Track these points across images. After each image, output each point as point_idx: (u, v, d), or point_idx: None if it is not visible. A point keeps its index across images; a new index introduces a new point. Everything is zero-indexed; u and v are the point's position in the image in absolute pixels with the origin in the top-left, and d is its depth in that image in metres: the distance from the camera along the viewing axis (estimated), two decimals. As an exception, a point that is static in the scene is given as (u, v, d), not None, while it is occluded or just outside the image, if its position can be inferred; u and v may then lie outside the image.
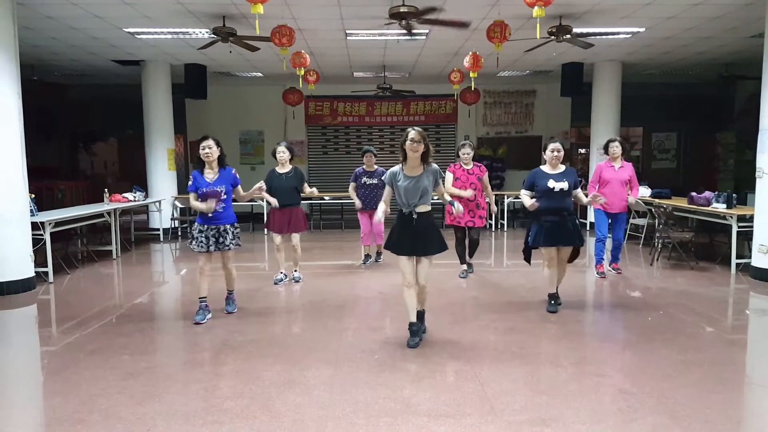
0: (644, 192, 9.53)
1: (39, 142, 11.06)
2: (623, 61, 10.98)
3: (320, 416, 3.27)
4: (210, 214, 5.03)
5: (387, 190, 4.52)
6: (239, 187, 5.26)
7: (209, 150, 5.00)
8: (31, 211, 6.70)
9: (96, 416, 3.29)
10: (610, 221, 7.02)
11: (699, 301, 5.88)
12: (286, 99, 11.53)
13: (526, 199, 5.35)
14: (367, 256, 7.91)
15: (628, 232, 9.62)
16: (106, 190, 9.21)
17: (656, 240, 8.03)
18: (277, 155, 6.54)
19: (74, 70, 11.31)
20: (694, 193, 7.96)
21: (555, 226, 5.22)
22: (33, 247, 6.57)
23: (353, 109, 14.07)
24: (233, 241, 5.18)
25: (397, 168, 4.44)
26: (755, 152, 6.77)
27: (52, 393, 3.71)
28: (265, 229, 6.69)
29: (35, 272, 6.58)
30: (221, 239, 5.11)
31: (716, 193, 7.70)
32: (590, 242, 7.95)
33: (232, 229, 5.18)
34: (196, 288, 5.46)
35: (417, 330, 4.50)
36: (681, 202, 8.27)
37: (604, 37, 8.61)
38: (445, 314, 5.41)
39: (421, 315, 4.66)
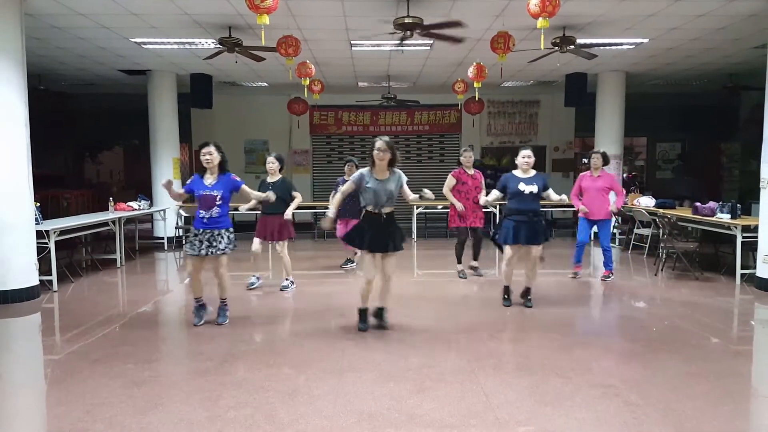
0: (648, 202, 9.52)
1: (45, 151, 11.11)
2: (627, 71, 11.00)
3: (324, 427, 3.26)
4: (205, 218, 5.13)
5: (349, 185, 4.91)
6: (243, 187, 5.33)
7: (209, 156, 5.11)
8: (36, 219, 6.72)
9: (99, 425, 3.28)
10: (595, 229, 7.43)
11: (704, 311, 5.85)
12: (291, 108, 11.58)
13: (490, 196, 5.99)
14: (349, 260, 8.30)
15: (632, 242, 9.64)
16: (111, 198, 9.24)
17: (660, 250, 8.01)
18: (267, 165, 6.79)
19: (81, 79, 11.40)
20: (698, 204, 7.95)
21: (522, 226, 5.72)
22: (38, 255, 6.59)
23: (358, 119, 14.12)
24: (228, 246, 5.23)
25: (365, 171, 4.86)
26: (760, 162, 6.76)
27: (55, 402, 3.70)
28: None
29: (39, 280, 6.60)
30: (215, 243, 5.16)
31: (721, 203, 7.68)
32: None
33: (227, 234, 5.22)
34: (194, 290, 5.45)
35: (366, 316, 5.09)
36: (685, 213, 8.25)
37: (607, 47, 8.64)
38: (450, 324, 5.40)
39: (381, 312, 5.16)
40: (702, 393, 3.73)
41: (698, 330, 5.25)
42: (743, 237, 6.99)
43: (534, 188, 5.73)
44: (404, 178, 4.96)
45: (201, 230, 5.14)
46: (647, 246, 9.31)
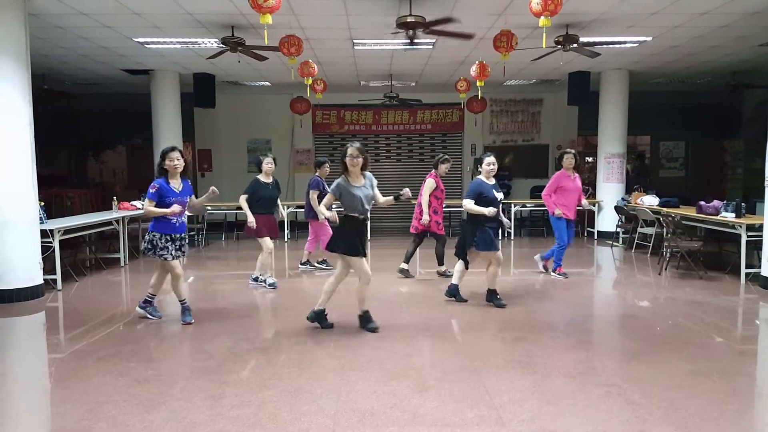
0: (652, 201, 9.51)
1: (49, 151, 11.13)
2: (630, 69, 10.97)
3: (327, 425, 3.26)
4: (177, 223, 5.27)
5: (330, 197, 4.92)
6: (192, 196, 5.45)
7: (179, 162, 5.15)
8: (41, 218, 6.74)
9: (103, 424, 3.29)
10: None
11: (708, 310, 5.84)
12: (294, 108, 11.59)
13: (481, 208, 5.59)
14: (308, 262, 8.15)
15: (636, 241, 9.63)
16: (114, 197, 9.26)
17: (665, 249, 7.99)
18: (267, 166, 6.84)
19: (84, 79, 11.42)
20: (702, 202, 7.92)
21: (495, 232, 5.83)
22: (42, 254, 6.61)
23: (360, 118, 14.12)
24: (185, 249, 5.47)
25: (341, 180, 4.84)
26: (764, 160, 6.73)
27: (59, 400, 3.72)
28: (247, 236, 6.95)
29: (44, 279, 6.61)
30: (184, 246, 5.41)
31: (725, 201, 7.66)
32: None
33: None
34: (177, 294, 5.62)
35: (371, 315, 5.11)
36: (689, 211, 8.23)
37: (610, 46, 8.62)
38: (452, 324, 5.40)
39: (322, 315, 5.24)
40: (706, 392, 3.72)
41: (702, 329, 5.24)
42: (748, 236, 6.97)
43: (501, 195, 5.80)
44: (374, 181, 5.02)
45: (175, 235, 5.27)
46: (651, 245, 9.29)
